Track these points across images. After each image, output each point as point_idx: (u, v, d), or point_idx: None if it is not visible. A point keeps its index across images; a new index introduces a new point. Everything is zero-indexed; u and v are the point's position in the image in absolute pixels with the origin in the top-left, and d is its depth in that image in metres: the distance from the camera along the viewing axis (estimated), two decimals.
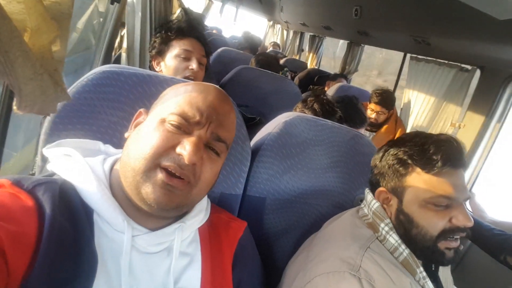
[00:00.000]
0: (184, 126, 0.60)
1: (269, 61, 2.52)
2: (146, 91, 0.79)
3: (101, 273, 0.53)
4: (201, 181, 0.60)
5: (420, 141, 0.79)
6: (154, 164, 0.56)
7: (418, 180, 0.77)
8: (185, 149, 0.57)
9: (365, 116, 1.58)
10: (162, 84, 0.81)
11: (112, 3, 1.40)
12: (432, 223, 0.75)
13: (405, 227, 0.78)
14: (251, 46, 3.77)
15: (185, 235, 0.66)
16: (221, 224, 0.75)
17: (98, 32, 1.45)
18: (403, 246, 0.77)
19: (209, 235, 0.71)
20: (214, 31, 5.80)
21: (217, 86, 0.72)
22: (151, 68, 1.31)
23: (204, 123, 0.61)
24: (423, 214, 0.76)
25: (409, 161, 0.79)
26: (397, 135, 2.58)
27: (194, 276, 0.64)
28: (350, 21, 2.99)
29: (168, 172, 0.56)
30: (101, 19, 1.45)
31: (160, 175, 0.56)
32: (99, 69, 0.76)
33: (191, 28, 1.26)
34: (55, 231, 0.49)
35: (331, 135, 1.04)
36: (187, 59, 1.24)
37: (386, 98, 2.45)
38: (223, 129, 0.64)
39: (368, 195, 0.88)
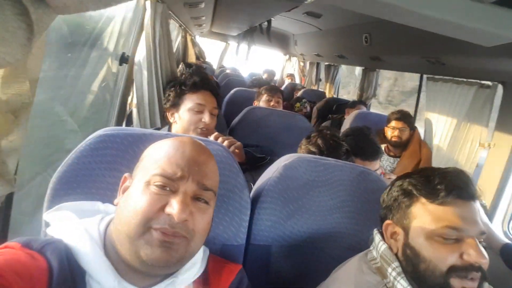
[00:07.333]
0: (169, 185, 0.61)
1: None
2: (142, 149, 0.81)
3: None
4: (196, 233, 0.62)
5: (425, 173, 0.77)
6: (146, 227, 0.58)
7: (423, 211, 0.74)
8: (174, 208, 0.58)
9: (378, 147, 1.51)
10: (157, 140, 0.83)
11: (120, 64, 1.52)
12: (440, 257, 0.69)
13: (413, 262, 0.73)
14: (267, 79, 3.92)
15: None
16: (213, 271, 0.74)
17: (111, 91, 1.57)
18: None
19: (203, 286, 0.70)
20: (227, 71, 6.03)
21: (194, 138, 0.73)
22: (163, 119, 1.37)
23: (187, 177, 0.62)
24: (430, 246, 0.71)
25: (414, 191, 0.76)
26: (423, 158, 2.45)
27: None
28: (361, 48, 2.99)
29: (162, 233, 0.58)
30: (114, 79, 1.57)
31: (155, 235, 0.58)
32: (96, 133, 0.80)
33: (204, 82, 1.34)
34: None
35: (335, 174, 1.00)
36: (200, 112, 1.31)
37: (405, 114, 2.44)
38: (206, 177, 0.65)
39: (376, 236, 0.82)
